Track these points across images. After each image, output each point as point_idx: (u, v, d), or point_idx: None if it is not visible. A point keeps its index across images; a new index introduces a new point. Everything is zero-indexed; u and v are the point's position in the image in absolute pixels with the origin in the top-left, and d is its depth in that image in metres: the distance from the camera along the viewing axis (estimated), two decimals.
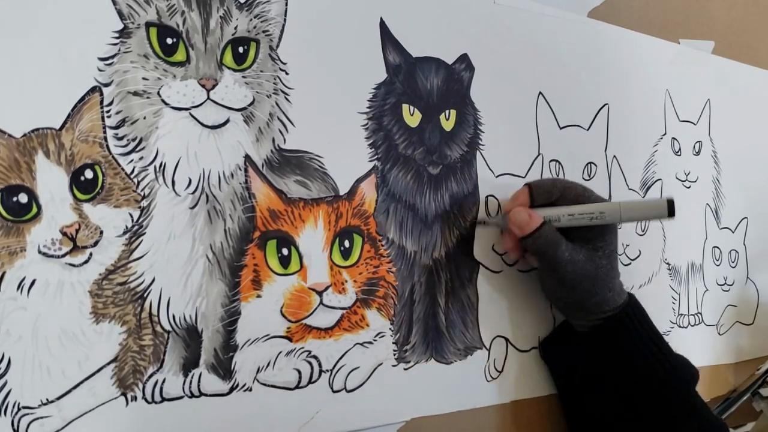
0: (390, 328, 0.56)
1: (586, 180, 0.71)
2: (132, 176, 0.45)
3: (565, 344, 0.64)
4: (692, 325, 0.81)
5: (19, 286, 0.41)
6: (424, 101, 0.58)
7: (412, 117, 0.58)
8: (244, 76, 0.49)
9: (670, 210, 0.55)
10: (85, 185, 0.43)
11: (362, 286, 0.54)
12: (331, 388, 0.53)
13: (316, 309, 0.52)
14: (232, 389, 0.48)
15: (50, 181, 0.42)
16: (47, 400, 0.42)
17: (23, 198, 0.41)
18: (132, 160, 0.45)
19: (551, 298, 0.64)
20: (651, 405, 0.58)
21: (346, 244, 0.53)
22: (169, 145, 0.46)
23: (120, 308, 0.44)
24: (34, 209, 0.41)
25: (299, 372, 0.51)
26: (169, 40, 0.46)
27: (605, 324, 0.60)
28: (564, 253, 0.57)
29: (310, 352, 0.52)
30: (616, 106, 0.74)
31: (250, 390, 0.49)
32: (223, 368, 0.48)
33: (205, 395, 0.47)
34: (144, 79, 0.45)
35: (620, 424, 0.59)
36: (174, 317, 0.46)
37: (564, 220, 0.57)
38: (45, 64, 0.42)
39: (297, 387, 0.51)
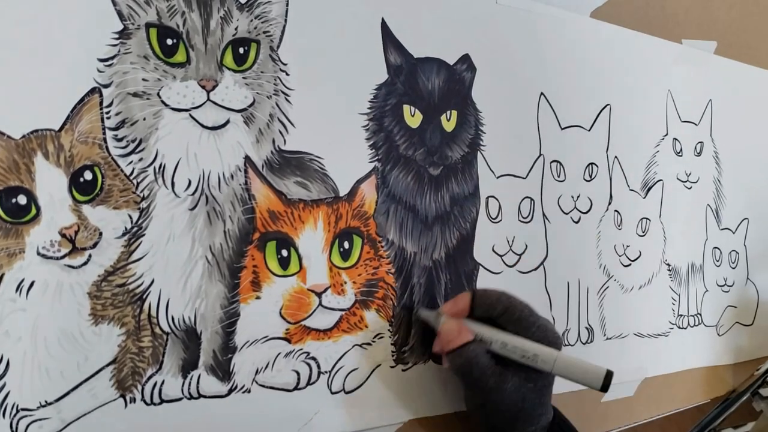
0: (389, 330, 0.56)
1: (587, 181, 0.71)
2: (131, 177, 0.45)
3: None
4: (692, 326, 0.81)
5: (18, 287, 0.41)
6: (425, 102, 0.58)
7: (413, 118, 0.58)
8: (244, 77, 0.49)
9: (606, 383, 0.50)
10: (84, 187, 0.43)
11: (361, 287, 0.54)
12: (330, 389, 0.53)
13: (315, 310, 0.52)
14: (230, 391, 0.48)
15: (49, 182, 0.42)
16: (46, 401, 0.42)
17: (22, 199, 0.41)
18: (131, 162, 0.45)
19: (472, 416, 0.58)
20: None
21: (346, 245, 0.53)
22: (168, 146, 0.46)
23: (119, 310, 0.44)
24: (33, 211, 0.41)
25: (298, 373, 0.51)
26: (169, 41, 0.46)
27: None
28: (489, 378, 0.52)
29: (308, 353, 0.52)
30: (618, 106, 0.73)
31: (249, 391, 0.49)
32: (222, 370, 0.48)
33: (204, 397, 0.47)
34: (144, 80, 0.45)
35: None
36: (173, 319, 0.46)
37: (495, 346, 0.53)
38: (44, 65, 0.42)
39: (296, 388, 0.51)
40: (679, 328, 0.80)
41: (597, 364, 0.51)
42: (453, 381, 0.59)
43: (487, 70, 0.62)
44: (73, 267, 0.43)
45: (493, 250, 0.63)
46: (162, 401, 0.46)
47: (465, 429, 0.61)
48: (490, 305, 0.54)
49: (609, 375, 0.50)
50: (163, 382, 0.45)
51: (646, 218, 0.77)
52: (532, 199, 0.66)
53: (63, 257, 0.42)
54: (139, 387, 0.45)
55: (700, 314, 0.82)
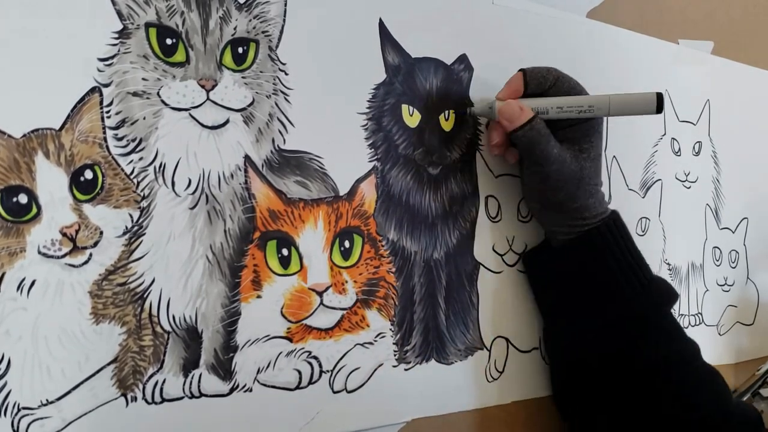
0: (390, 329, 0.56)
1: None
2: (132, 177, 0.45)
3: (543, 257, 0.63)
4: (692, 326, 0.81)
5: (19, 286, 0.41)
6: (423, 102, 0.58)
7: (411, 117, 0.58)
8: (243, 77, 0.49)
9: (659, 104, 0.55)
10: (84, 186, 0.43)
11: (362, 286, 0.54)
12: (332, 388, 0.52)
13: (316, 309, 0.52)
14: (232, 390, 0.48)
15: (50, 181, 0.42)
16: (47, 400, 0.42)
17: (23, 198, 0.41)
18: (132, 161, 0.45)
19: (532, 202, 0.63)
20: (623, 322, 0.57)
21: (346, 244, 0.53)
22: (168, 145, 0.46)
23: (120, 309, 0.44)
24: (34, 210, 0.41)
25: (299, 372, 0.51)
26: (168, 41, 0.46)
27: (580, 238, 0.59)
28: (552, 149, 0.56)
29: (310, 352, 0.52)
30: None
31: (251, 390, 0.49)
32: (224, 369, 0.48)
33: (206, 396, 0.47)
34: (143, 79, 0.45)
35: (590, 340, 0.59)
36: (174, 318, 0.46)
37: (552, 113, 0.56)
38: (44, 65, 0.42)
39: (297, 387, 0.51)
40: None
41: (644, 91, 0.55)
42: (455, 380, 0.59)
43: (484, 71, 0.63)
44: (73, 266, 0.43)
45: (494, 250, 0.63)
46: (163, 400, 0.45)
47: (465, 429, 0.61)
48: (542, 77, 0.58)
49: (660, 96, 0.55)
50: (164, 381, 0.45)
51: (646, 218, 0.77)
52: None
53: (64, 256, 0.42)
54: (140, 386, 0.45)
55: (701, 314, 0.82)
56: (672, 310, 0.61)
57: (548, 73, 0.58)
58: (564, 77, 0.58)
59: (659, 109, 0.55)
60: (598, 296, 0.59)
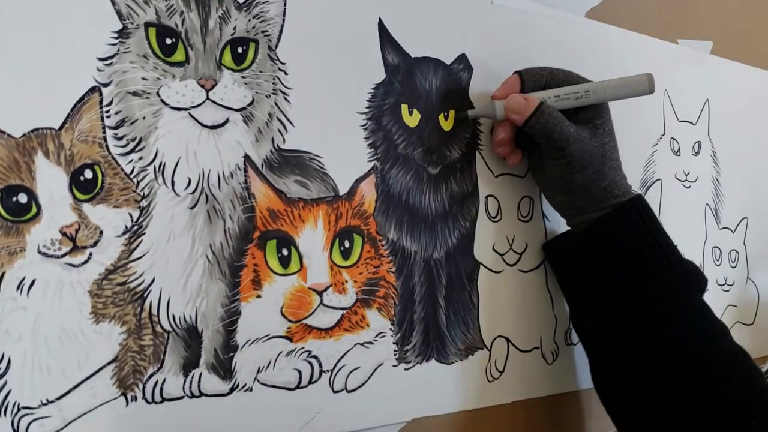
0: (390, 329, 0.56)
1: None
2: (131, 176, 0.45)
3: (569, 242, 0.63)
4: None
5: (19, 286, 0.41)
6: (423, 101, 0.59)
7: (411, 117, 0.58)
8: (243, 77, 0.49)
9: (651, 85, 0.57)
10: (84, 185, 0.43)
11: (362, 286, 0.54)
12: (332, 388, 0.52)
13: (316, 309, 0.52)
14: (232, 389, 0.48)
15: (50, 181, 0.42)
16: (47, 400, 0.42)
17: (23, 198, 0.41)
18: (131, 160, 0.45)
19: (557, 195, 0.62)
20: (652, 306, 0.57)
21: (346, 244, 0.53)
22: (168, 145, 0.46)
23: (120, 308, 0.44)
24: (34, 209, 0.41)
25: (300, 372, 0.51)
26: (168, 41, 0.46)
27: (611, 214, 0.58)
28: (569, 129, 0.56)
29: (310, 352, 0.51)
30: (615, 106, 0.73)
31: (251, 390, 0.49)
32: (224, 368, 0.48)
33: (206, 395, 0.47)
34: (143, 79, 0.45)
35: (621, 322, 0.58)
36: (174, 317, 0.46)
37: (550, 102, 0.57)
38: (44, 64, 0.42)
39: (297, 387, 0.51)
40: None
41: (635, 74, 0.58)
42: (455, 380, 0.59)
43: (483, 70, 0.63)
44: (73, 265, 0.43)
45: (494, 249, 0.63)
46: (163, 400, 0.45)
47: (465, 429, 0.61)
48: (538, 75, 0.59)
49: (651, 77, 0.57)
50: (164, 381, 0.45)
51: None
52: (531, 198, 0.66)
53: (64, 256, 0.42)
54: (140, 385, 0.45)
55: None
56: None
57: (542, 71, 0.59)
58: (557, 71, 0.59)
59: (651, 89, 0.57)
60: (627, 277, 0.58)
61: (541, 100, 0.57)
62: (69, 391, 0.42)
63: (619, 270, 0.58)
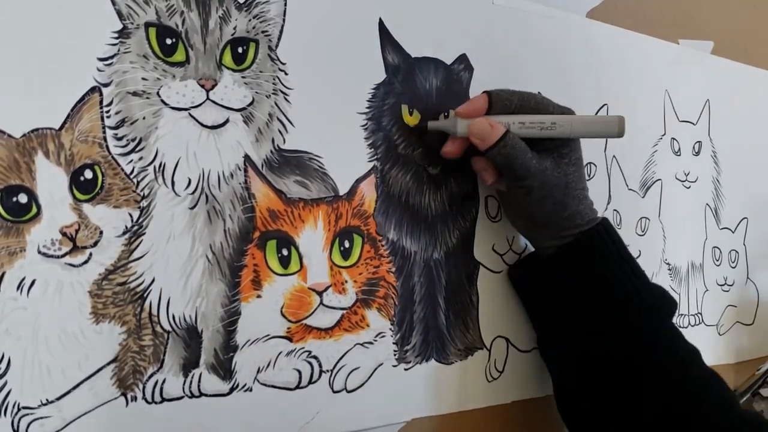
0: (390, 329, 0.56)
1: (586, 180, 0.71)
2: (131, 176, 0.45)
3: (533, 268, 0.61)
4: (692, 326, 0.81)
5: (19, 286, 0.41)
6: (423, 101, 0.58)
7: (411, 117, 0.58)
8: (243, 77, 0.49)
9: (621, 127, 0.55)
10: (84, 185, 0.43)
11: (362, 286, 0.54)
12: (332, 388, 0.53)
13: (316, 309, 0.52)
14: (232, 389, 0.48)
15: (50, 181, 0.42)
16: (47, 400, 0.42)
17: (23, 198, 0.41)
18: (131, 161, 0.45)
19: (519, 220, 0.61)
20: (620, 332, 0.56)
21: (346, 244, 0.53)
22: (168, 145, 0.46)
23: (120, 308, 0.44)
24: (34, 209, 0.41)
25: (299, 372, 0.51)
26: (168, 41, 0.46)
27: (573, 243, 0.57)
28: (531, 161, 0.54)
29: (310, 352, 0.52)
30: (616, 106, 0.73)
31: (251, 390, 0.49)
32: (224, 368, 0.48)
33: (206, 395, 0.47)
34: (143, 79, 0.45)
35: (585, 348, 0.57)
36: (174, 317, 0.46)
37: (514, 128, 0.54)
38: (44, 64, 0.42)
39: (297, 387, 0.51)
40: (679, 327, 0.79)
41: (608, 114, 0.56)
42: (455, 380, 0.59)
43: (484, 70, 0.63)
44: (73, 265, 0.43)
45: (493, 249, 0.63)
46: (163, 400, 0.45)
47: (465, 429, 0.61)
48: (507, 99, 0.56)
49: (622, 120, 0.55)
50: (164, 381, 0.45)
51: (645, 218, 0.77)
52: None
53: (64, 256, 0.42)
54: (140, 386, 0.45)
55: (701, 314, 0.82)
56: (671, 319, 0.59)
57: (513, 95, 0.56)
58: (529, 97, 0.57)
59: (620, 132, 0.55)
60: (591, 303, 0.57)
61: (506, 127, 0.54)
62: (69, 391, 0.42)
63: (585, 299, 0.57)
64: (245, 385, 0.49)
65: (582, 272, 0.57)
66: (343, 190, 0.54)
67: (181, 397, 0.46)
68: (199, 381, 0.47)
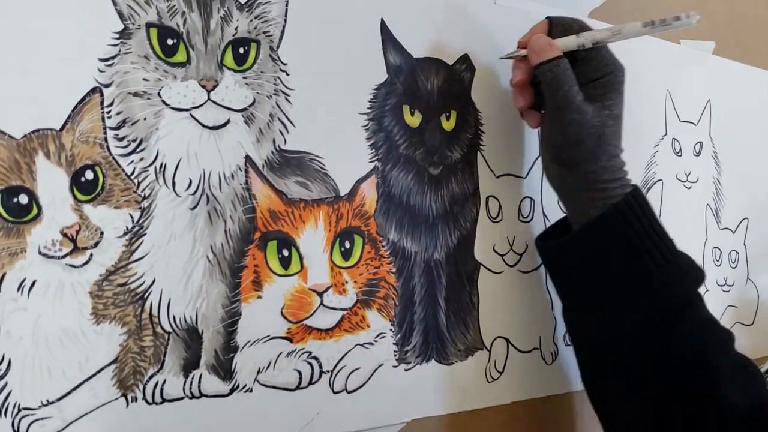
0: (391, 329, 0.56)
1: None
2: (132, 177, 0.45)
3: (562, 240, 0.59)
4: None
5: (20, 287, 0.41)
6: (424, 102, 0.58)
7: (412, 117, 0.58)
8: (244, 77, 0.49)
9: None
10: (85, 186, 0.43)
11: (363, 286, 0.54)
12: (332, 389, 0.53)
13: (316, 310, 0.52)
14: (232, 390, 0.48)
15: (51, 182, 0.42)
16: (48, 401, 0.42)
17: (23, 199, 0.41)
18: (132, 161, 0.45)
19: (550, 164, 0.60)
20: (648, 300, 0.55)
21: (347, 244, 0.53)
22: (169, 145, 0.46)
23: (120, 309, 0.44)
24: (35, 210, 0.41)
25: (300, 373, 0.51)
26: (169, 41, 0.46)
27: (604, 216, 0.56)
28: (576, 95, 0.55)
29: (310, 353, 0.52)
30: None
31: (251, 391, 0.49)
32: (224, 369, 0.48)
33: (206, 396, 0.47)
34: (144, 79, 0.45)
35: (615, 322, 0.57)
36: (174, 318, 0.46)
37: (588, 44, 0.56)
38: (45, 65, 0.42)
39: (297, 388, 0.51)
40: None
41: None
42: (455, 381, 0.59)
43: (486, 71, 0.63)
44: (74, 266, 0.43)
45: (494, 250, 0.63)
46: (163, 401, 0.45)
47: (465, 429, 0.61)
48: (567, 25, 0.58)
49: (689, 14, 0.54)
50: (164, 382, 0.45)
51: None
52: (532, 199, 0.66)
53: (64, 257, 0.42)
54: (141, 386, 0.45)
55: None
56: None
57: (573, 22, 0.58)
58: (587, 25, 0.58)
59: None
60: (622, 277, 0.56)
61: (561, 53, 0.56)
62: (69, 392, 0.42)
63: (611, 273, 0.57)
64: (246, 385, 0.49)
65: (613, 245, 0.56)
66: (343, 190, 0.54)
67: (182, 398, 0.46)
68: (200, 382, 0.47)
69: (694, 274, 0.58)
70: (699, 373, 0.54)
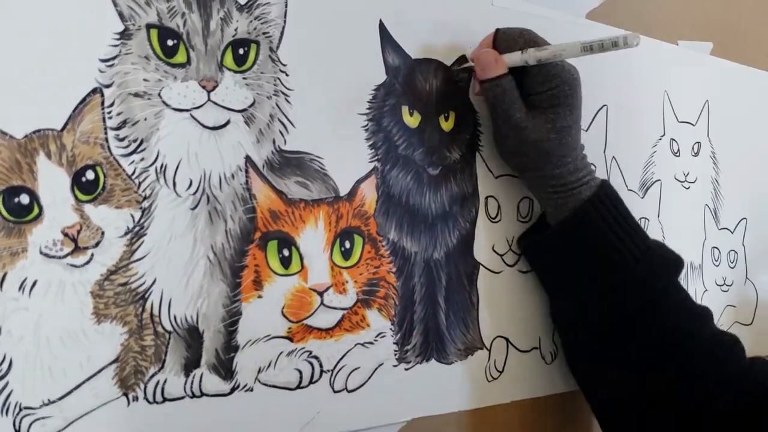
0: (391, 329, 0.56)
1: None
2: (133, 177, 0.45)
3: (541, 237, 0.62)
4: None
5: (21, 286, 0.41)
6: (423, 102, 0.59)
7: (411, 118, 0.58)
8: (244, 78, 0.49)
9: (631, 38, 0.53)
10: (86, 186, 0.43)
11: (363, 286, 0.54)
12: (332, 388, 0.53)
13: (316, 309, 0.52)
14: (233, 389, 0.48)
15: (51, 182, 0.42)
16: (49, 400, 0.42)
17: (25, 199, 0.41)
18: (133, 161, 0.45)
19: (512, 163, 0.62)
20: (624, 291, 0.58)
21: (347, 244, 0.54)
22: (170, 146, 0.46)
23: (121, 309, 0.44)
24: (36, 210, 0.41)
25: (300, 372, 0.51)
26: (169, 42, 0.46)
27: (574, 215, 0.58)
28: (515, 112, 0.56)
29: (311, 352, 0.52)
30: (615, 107, 0.74)
31: (252, 390, 0.49)
32: (225, 368, 0.48)
33: (207, 395, 0.47)
34: (145, 80, 0.45)
35: (594, 315, 0.59)
36: (175, 318, 0.46)
37: (531, 61, 0.56)
38: (46, 66, 0.42)
39: (298, 387, 0.51)
40: None
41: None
42: (455, 380, 0.59)
43: None
44: (75, 266, 0.43)
45: (493, 250, 0.63)
46: (164, 400, 0.46)
47: (465, 429, 0.61)
48: (512, 40, 0.58)
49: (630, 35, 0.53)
50: (165, 381, 0.46)
51: (645, 218, 0.77)
52: (530, 199, 0.66)
53: (65, 256, 0.42)
54: (142, 386, 0.45)
55: None
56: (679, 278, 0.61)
57: (520, 36, 0.58)
58: (537, 37, 0.58)
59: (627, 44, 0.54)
60: (598, 270, 0.58)
61: (508, 72, 0.56)
62: (70, 392, 0.43)
63: (588, 267, 0.59)
64: (246, 385, 0.49)
65: (588, 240, 0.58)
66: (343, 190, 0.54)
67: (183, 397, 0.46)
68: (201, 381, 0.47)
69: (666, 262, 0.60)
70: (674, 346, 0.57)
